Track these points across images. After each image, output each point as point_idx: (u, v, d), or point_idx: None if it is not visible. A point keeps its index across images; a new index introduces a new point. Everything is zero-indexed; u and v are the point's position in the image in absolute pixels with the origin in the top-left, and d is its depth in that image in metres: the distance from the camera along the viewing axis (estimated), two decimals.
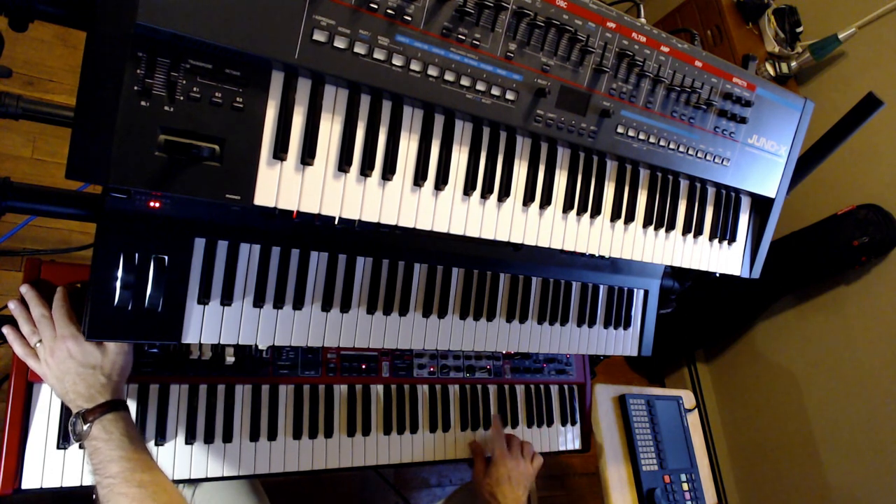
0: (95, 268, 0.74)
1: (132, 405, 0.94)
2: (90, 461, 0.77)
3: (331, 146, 0.70)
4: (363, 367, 1.16)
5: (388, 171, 0.73)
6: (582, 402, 1.47)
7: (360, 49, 0.66)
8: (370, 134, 0.72)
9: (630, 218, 0.95)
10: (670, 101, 0.90)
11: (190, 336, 0.81)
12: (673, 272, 1.34)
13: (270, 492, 1.21)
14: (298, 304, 0.88)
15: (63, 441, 0.89)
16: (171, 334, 0.79)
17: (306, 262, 0.89)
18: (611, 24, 0.81)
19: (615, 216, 0.93)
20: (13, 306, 0.86)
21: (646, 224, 0.97)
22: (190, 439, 0.97)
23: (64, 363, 0.81)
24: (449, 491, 1.60)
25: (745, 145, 1.01)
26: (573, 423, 1.44)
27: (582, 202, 0.89)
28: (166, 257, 0.78)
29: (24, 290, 0.86)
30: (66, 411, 0.89)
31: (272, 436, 1.04)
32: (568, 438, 1.43)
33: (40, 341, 0.83)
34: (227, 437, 1.00)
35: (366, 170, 0.72)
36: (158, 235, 0.77)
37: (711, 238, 1.06)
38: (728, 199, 1.07)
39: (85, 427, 0.78)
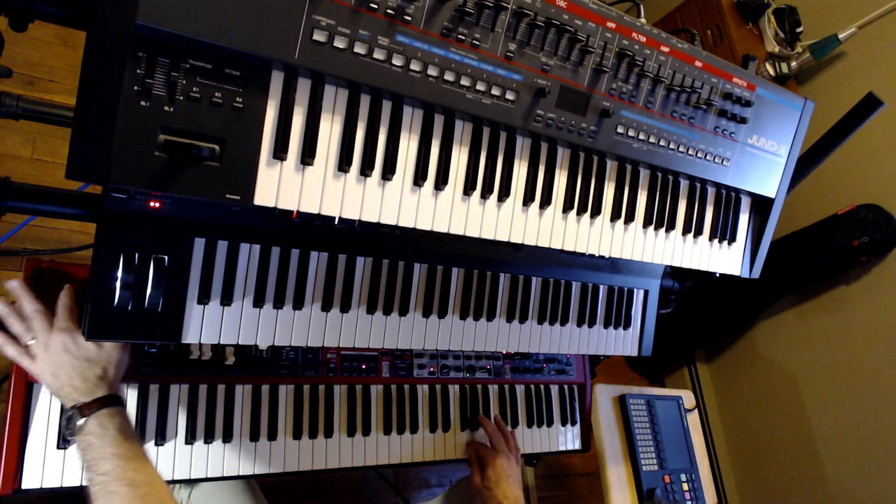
0: (95, 268, 0.74)
1: (132, 405, 0.94)
2: (83, 457, 0.76)
3: (331, 146, 0.70)
4: (363, 367, 1.16)
5: (388, 171, 0.73)
6: (582, 402, 1.47)
7: (360, 49, 0.66)
8: (370, 134, 0.72)
9: (630, 218, 0.95)
10: (670, 101, 0.90)
11: (190, 336, 0.81)
12: (673, 272, 1.34)
13: (270, 492, 1.21)
14: (298, 305, 0.88)
15: (63, 441, 0.89)
16: (171, 334, 0.79)
17: (306, 262, 0.89)
18: (611, 24, 0.81)
19: (615, 216, 0.93)
20: (2, 308, 0.84)
21: (646, 224, 0.97)
22: (190, 439, 0.97)
23: (59, 357, 0.80)
24: None
25: (745, 145, 1.01)
26: (573, 423, 1.44)
27: (582, 202, 0.89)
28: (166, 257, 0.78)
29: (16, 285, 0.83)
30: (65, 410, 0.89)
31: (272, 436, 1.04)
32: (568, 438, 1.43)
33: (33, 339, 0.82)
34: (227, 437, 1.00)
35: (366, 170, 0.72)
36: (158, 235, 0.77)
37: (711, 238, 1.06)
38: (728, 199, 1.07)
39: (80, 421, 0.77)
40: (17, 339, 0.84)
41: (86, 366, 0.81)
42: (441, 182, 0.77)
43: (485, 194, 0.81)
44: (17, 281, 0.85)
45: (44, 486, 0.88)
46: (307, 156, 0.68)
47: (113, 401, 0.80)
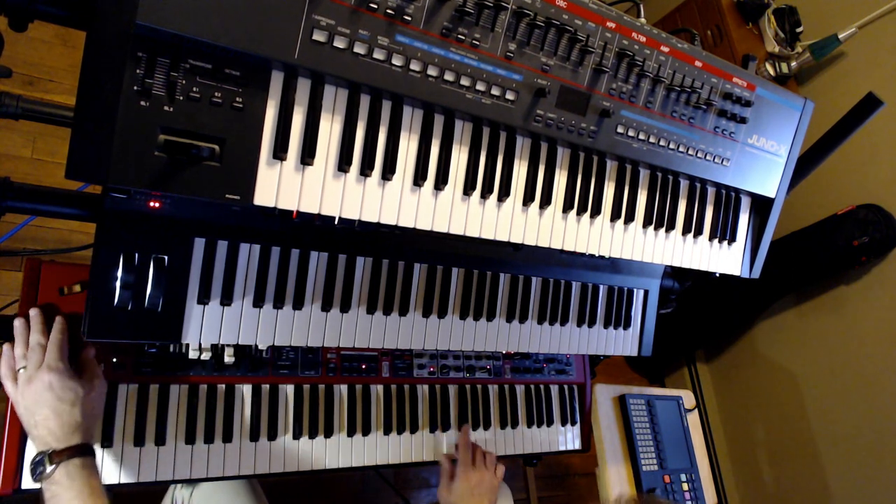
0: (95, 268, 0.74)
1: (132, 405, 0.94)
2: None
3: (330, 146, 0.70)
4: (363, 367, 1.16)
5: (388, 171, 0.73)
6: (582, 402, 1.47)
7: (359, 49, 0.66)
8: (370, 134, 0.72)
9: (630, 218, 0.95)
10: (670, 100, 0.90)
11: (190, 336, 0.81)
12: (673, 272, 1.34)
13: (270, 492, 1.21)
14: (298, 304, 0.88)
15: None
16: (170, 334, 0.79)
17: (306, 262, 0.89)
18: (611, 24, 0.81)
19: (615, 216, 0.93)
20: (18, 324, 0.85)
21: (646, 224, 0.97)
22: (190, 439, 0.97)
23: (40, 395, 0.78)
24: None
25: (745, 145, 1.01)
26: (573, 423, 1.44)
27: (582, 202, 0.89)
28: (166, 257, 0.78)
29: (34, 314, 0.85)
30: None
31: (272, 436, 1.04)
32: (568, 438, 1.43)
33: (24, 367, 0.81)
34: (227, 438, 1.00)
35: (365, 170, 0.72)
36: (158, 235, 0.77)
37: (711, 238, 1.06)
38: (728, 199, 1.07)
39: (49, 468, 0.74)
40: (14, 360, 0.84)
41: (66, 409, 0.78)
42: (441, 182, 0.77)
43: (485, 194, 0.81)
44: (37, 310, 0.85)
45: None
46: (307, 156, 0.68)
47: (84, 450, 0.78)
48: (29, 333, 0.84)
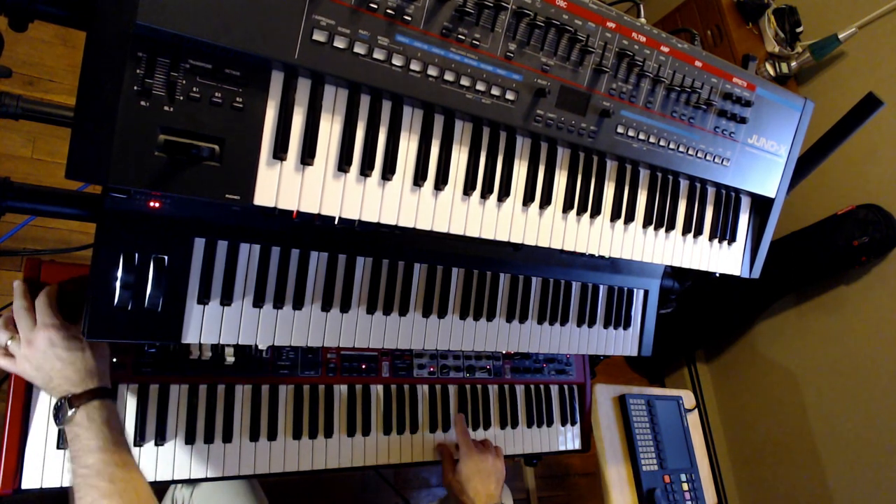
0: (95, 268, 0.74)
1: (132, 405, 0.94)
2: (70, 447, 0.77)
3: (331, 146, 0.70)
4: (363, 367, 1.16)
5: (388, 171, 0.73)
6: (582, 402, 1.47)
7: (359, 49, 0.66)
8: (370, 134, 0.72)
9: (630, 218, 0.95)
10: (670, 101, 0.90)
11: (190, 336, 0.81)
12: (673, 272, 1.34)
13: (270, 492, 1.21)
14: (298, 304, 0.88)
15: (63, 441, 0.89)
16: (170, 334, 0.79)
17: (306, 262, 0.89)
18: (611, 24, 0.81)
19: (615, 216, 0.93)
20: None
21: (646, 224, 0.97)
22: (190, 439, 0.97)
23: (45, 353, 0.79)
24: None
25: (745, 145, 1.01)
26: (573, 423, 1.44)
27: (582, 202, 0.89)
28: (166, 257, 0.78)
29: (17, 284, 0.85)
30: None
31: (272, 436, 1.04)
32: (568, 438, 1.43)
33: (11, 338, 0.82)
34: (227, 437, 1.00)
35: (366, 170, 0.72)
36: (158, 235, 0.77)
37: (711, 238, 1.06)
38: (728, 199, 1.07)
39: (70, 412, 0.77)
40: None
41: (78, 356, 0.80)
42: (441, 182, 0.77)
43: (485, 194, 0.81)
44: (19, 281, 0.86)
45: (44, 486, 0.88)
46: (307, 156, 0.68)
47: (103, 393, 0.80)
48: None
